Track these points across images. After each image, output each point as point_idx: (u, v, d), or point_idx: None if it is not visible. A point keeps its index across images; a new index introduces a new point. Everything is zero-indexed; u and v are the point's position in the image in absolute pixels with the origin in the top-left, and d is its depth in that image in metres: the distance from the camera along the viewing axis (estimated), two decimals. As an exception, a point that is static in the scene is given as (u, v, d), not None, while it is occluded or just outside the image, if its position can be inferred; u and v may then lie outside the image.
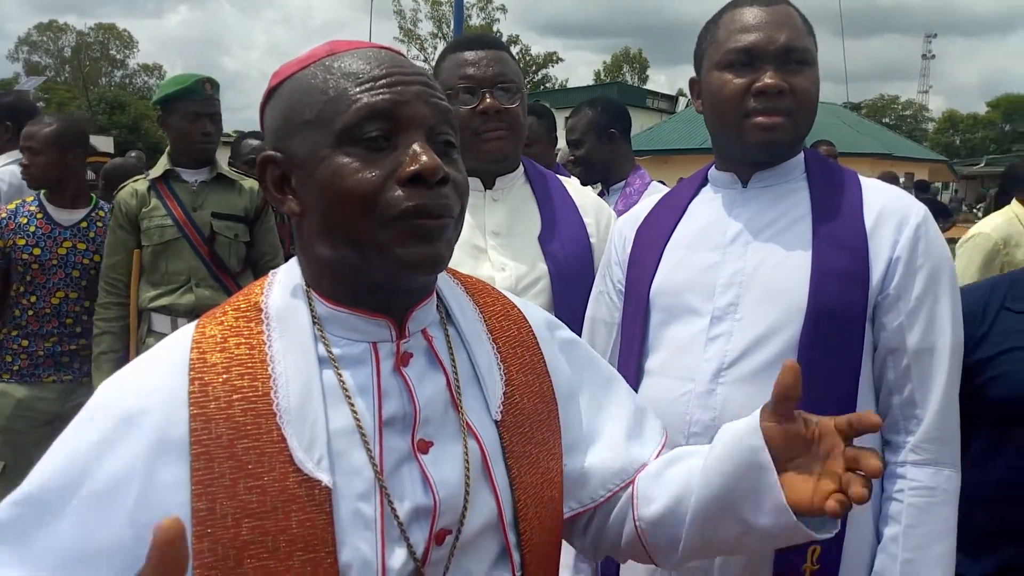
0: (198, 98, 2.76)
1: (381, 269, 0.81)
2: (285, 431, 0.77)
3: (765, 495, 0.86)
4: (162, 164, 2.84)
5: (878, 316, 1.29)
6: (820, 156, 1.43)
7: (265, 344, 0.82)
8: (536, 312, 1.06)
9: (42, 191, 2.93)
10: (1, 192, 3.34)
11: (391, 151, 0.79)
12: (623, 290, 1.52)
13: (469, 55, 1.67)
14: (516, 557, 0.90)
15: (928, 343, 1.27)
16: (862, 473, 0.82)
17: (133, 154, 7.41)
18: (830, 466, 0.85)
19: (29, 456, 2.45)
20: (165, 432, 0.76)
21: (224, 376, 0.79)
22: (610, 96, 3.56)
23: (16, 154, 3.50)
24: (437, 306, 0.94)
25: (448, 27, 47.40)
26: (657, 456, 1.07)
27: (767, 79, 1.28)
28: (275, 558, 0.75)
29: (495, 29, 55.47)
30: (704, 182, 1.49)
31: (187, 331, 0.84)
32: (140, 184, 2.82)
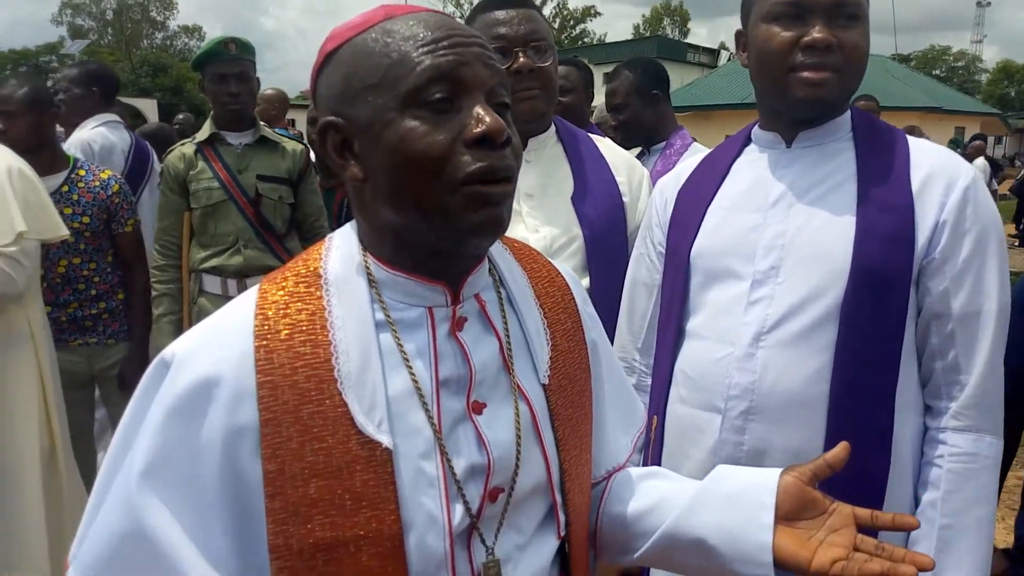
0: (222, 59, 2.79)
1: (446, 233, 0.82)
2: (346, 396, 0.80)
3: (749, 542, 0.89)
4: (207, 128, 2.90)
5: (923, 280, 1.27)
6: (866, 115, 1.40)
7: (325, 310, 0.84)
8: (575, 281, 1.08)
9: None
10: (94, 152, 3.34)
11: (455, 113, 0.80)
12: (663, 252, 1.52)
13: (500, 14, 1.66)
14: (562, 516, 0.94)
15: (974, 307, 1.25)
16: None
17: (180, 116, 7.53)
18: (837, 539, 0.88)
19: (69, 416, 2.57)
20: (237, 401, 0.79)
21: (287, 343, 0.81)
22: (649, 51, 3.44)
23: (104, 117, 3.52)
24: (489, 270, 0.96)
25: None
26: (635, 442, 1.11)
27: (815, 33, 1.25)
28: (342, 514, 0.79)
29: (533, -14, 54.43)
30: (747, 141, 1.47)
31: (250, 296, 0.87)
32: (187, 148, 2.88)
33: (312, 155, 3.23)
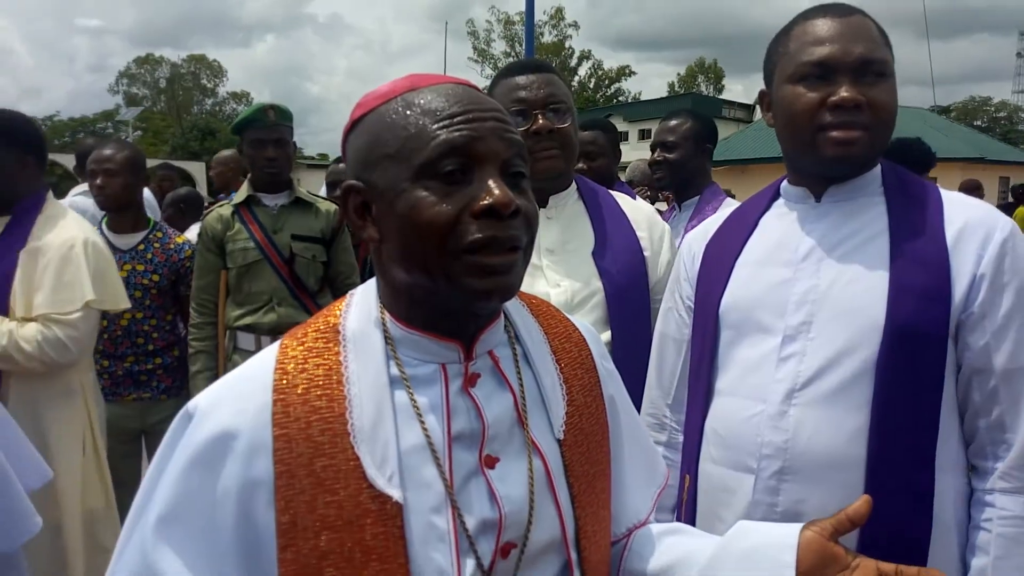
0: (261, 125, 2.88)
1: (452, 297, 0.85)
2: (359, 450, 0.82)
3: None
4: (244, 190, 2.97)
5: (962, 335, 1.23)
6: (897, 169, 1.38)
7: (342, 365, 0.86)
8: (594, 336, 1.08)
9: (103, 219, 3.08)
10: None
11: (467, 185, 0.83)
12: (692, 306, 1.51)
13: (520, 79, 1.73)
14: (577, 574, 0.92)
15: (1017, 363, 1.21)
16: None
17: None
18: None
19: (116, 470, 2.59)
20: (253, 454, 0.81)
21: (304, 397, 0.83)
22: (684, 107, 3.54)
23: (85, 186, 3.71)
24: (505, 326, 0.97)
25: (520, 46, 47.87)
26: (655, 499, 1.10)
27: (843, 93, 1.24)
28: (352, 567, 0.79)
29: (567, 46, 55.70)
30: (776, 196, 1.46)
31: (271, 351, 0.89)
32: (225, 209, 2.95)
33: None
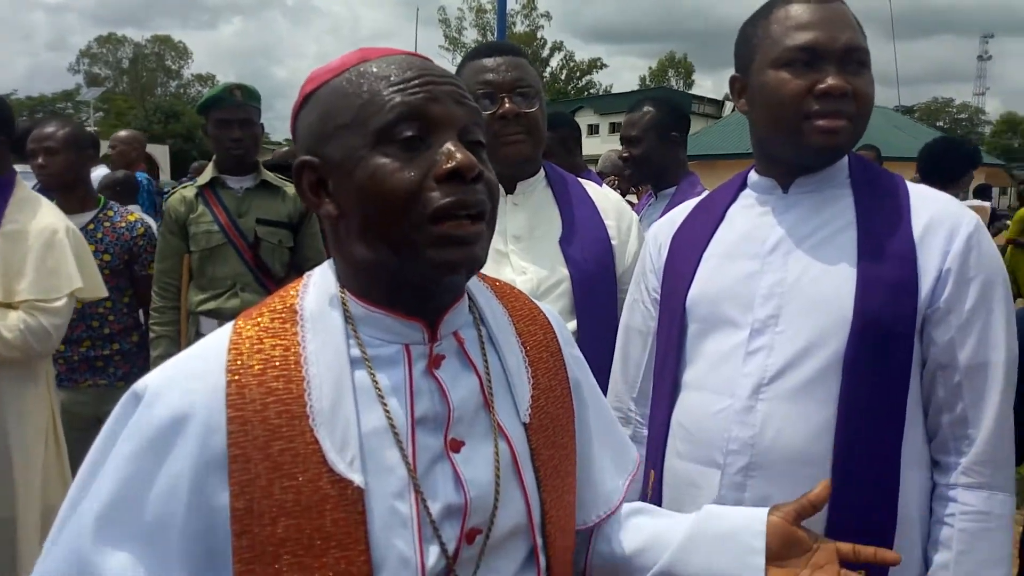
0: (227, 105, 2.82)
1: (417, 270, 0.82)
2: (318, 433, 0.79)
3: None
4: (208, 172, 2.90)
5: (927, 330, 1.23)
6: (864, 160, 1.37)
7: (300, 345, 0.83)
8: (559, 321, 1.07)
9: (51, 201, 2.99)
10: None
11: (425, 150, 0.80)
12: (658, 298, 1.49)
13: (488, 62, 1.70)
14: (543, 560, 0.92)
15: (981, 359, 1.21)
16: None
17: (195, 164, 7.62)
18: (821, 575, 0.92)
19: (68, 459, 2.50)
20: (207, 436, 0.78)
21: (260, 378, 0.80)
22: (685, 107, 3.33)
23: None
24: (469, 307, 0.95)
25: (492, 35, 47.64)
26: (627, 485, 1.10)
27: (831, 80, 1.22)
28: (310, 555, 0.77)
29: (539, 36, 55.59)
30: (742, 187, 1.45)
31: (224, 332, 0.86)
32: (188, 191, 2.88)
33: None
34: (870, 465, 1.21)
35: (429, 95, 0.81)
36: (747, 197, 1.43)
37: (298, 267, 3.00)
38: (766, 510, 0.97)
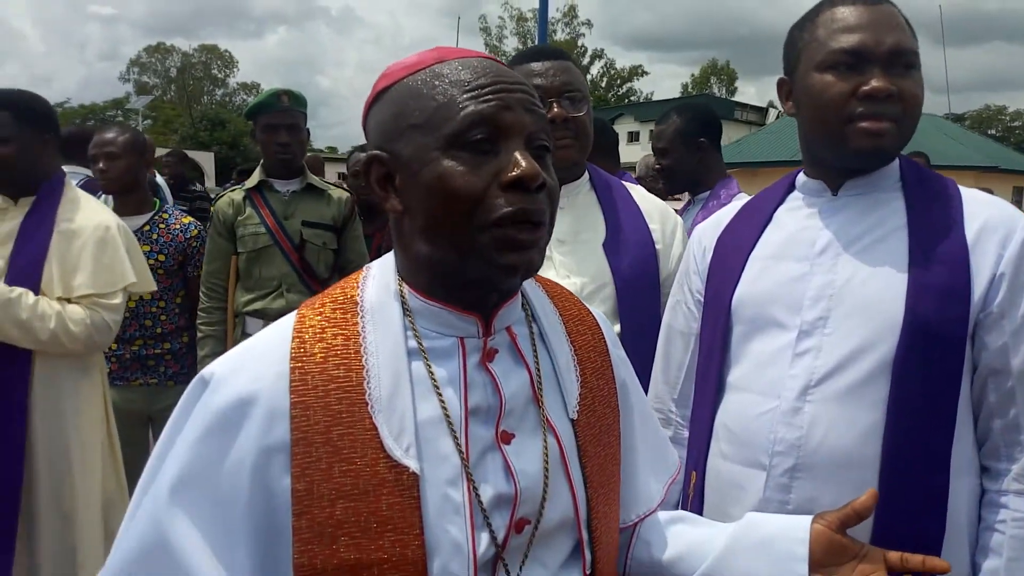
0: (274, 110, 2.89)
1: (477, 269, 0.84)
2: (376, 420, 0.82)
3: None
4: (256, 175, 2.98)
5: (979, 335, 1.22)
6: (916, 164, 1.36)
7: (360, 335, 0.86)
8: (606, 323, 1.08)
9: (109, 201, 3.08)
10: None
11: (494, 156, 0.82)
12: (702, 300, 1.49)
13: (536, 66, 1.70)
14: (588, 555, 0.93)
15: None
16: None
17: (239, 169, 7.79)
18: None
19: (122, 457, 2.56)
20: (270, 421, 0.81)
21: (322, 366, 0.83)
22: (713, 111, 3.31)
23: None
24: (522, 305, 0.97)
25: (533, 42, 47.85)
26: (667, 488, 1.11)
27: (875, 82, 1.21)
28: (367, 537, 0.80)
29: (580, 44, 55.62)
30: (790, 189, 1.44)
31: (288, 320, 0.89)
32: (236, 194, 2.96)
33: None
34: (919, 470, 1.19)
35: (502, 103, 0.83)
36: (795, 199, 1.42)
37: (341, 269, 3.05)
38: (810, 518, 0.97)
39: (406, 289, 0.90)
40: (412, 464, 0.81)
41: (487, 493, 0.85)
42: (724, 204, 2.77)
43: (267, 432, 0.81)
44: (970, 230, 1.24)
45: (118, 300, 2.27)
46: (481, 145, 0.82)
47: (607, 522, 0.96)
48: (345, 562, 0.79)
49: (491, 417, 0.88)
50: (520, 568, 0.87)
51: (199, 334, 2.94)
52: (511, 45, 53.78)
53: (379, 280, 0.91)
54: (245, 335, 2.91)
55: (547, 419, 0.91)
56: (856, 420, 1.22)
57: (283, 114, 2.87)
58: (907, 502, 1.18)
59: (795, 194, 1.43)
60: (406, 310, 0.88)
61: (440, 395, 0.85)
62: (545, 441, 0.90)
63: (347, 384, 0.83)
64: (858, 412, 1.22)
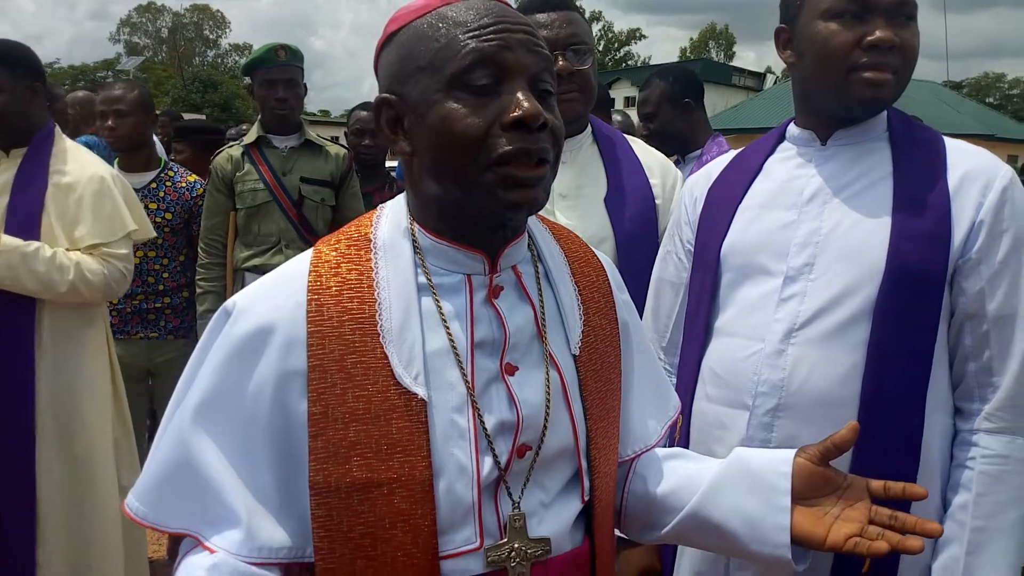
0: (272, 65, 2.90)
1: (483, 207, 0.88)
2: (387, 349, 0.87)
3: (768, 525, 0.97)
4: (255, 131, 3.00)
5: (957, 280, 1.26)
6: (903, 114, 1.38)
7: (373, 271, 0.91)
8: (611, 265, 1.12)
9: (116, 160, 3.09)
10: None
11: (496, 97, 0.85)
12: (692, 250, 1.52)
13: (541, 17, 1.69)
14: (587, 482, 0.98)
15: (1010, 309, 1.23)
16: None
17: (232, 131, 7.72)
18: (852, 514, 0.97)
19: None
20: (289, 348, 0.86)
21: (337, 298, 0.88)
22: (696, 71, 3.42)
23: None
24: (528, 245, 1.01)
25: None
26: (666, 428, 1.16)
27: (880, 32, 1.23)
28: (378, 458, 0.85)
29: (578, 5, 54.89)
30: (780, 139, 1.47)
31: (306, 255, 0.94)
32: (235, 150, 2.98)
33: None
34: (896, 409, 1.24)
35: (503, 43, 0.85)
36: (785, 149, 1.45)
37: (339, 225, 3.06)
38: (793, 451, 1.01)
39: (417, 228, 0.94)
40: (420, 391, 0.86)
41: (491, 420, 0.90)
42: (710, 158, 2.82)
43: (286, 358, 0.86)
44: (952, 179, 1.27)
45: (126, 249, 2.30)
46: (483, 87, 0.84)
47: (606, 453, 1.01)
48: (357, 480, 0.84)
49: (496, 350, 0.93)
50: (522, 491, 0.92)
51: (198, 290, 2.98)
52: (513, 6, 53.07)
53: (391, 219, 0.95)
54: (244, 290, 2.95)
55: (550, 354, 0.96)
56: (837, 361, 1.26)
57: (280, 69, 2.88)
58: (884, 440, 1.23)
59: (785, 144, 1.46)
60: (416, 248, 0.93)
61: (447, 328, 0.90)
62: (547, 374, 0.95)
63: (360, 316, 0.88)
64: (840, 354, 1.26)
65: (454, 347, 0.90)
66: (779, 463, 1.00)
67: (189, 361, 0.92)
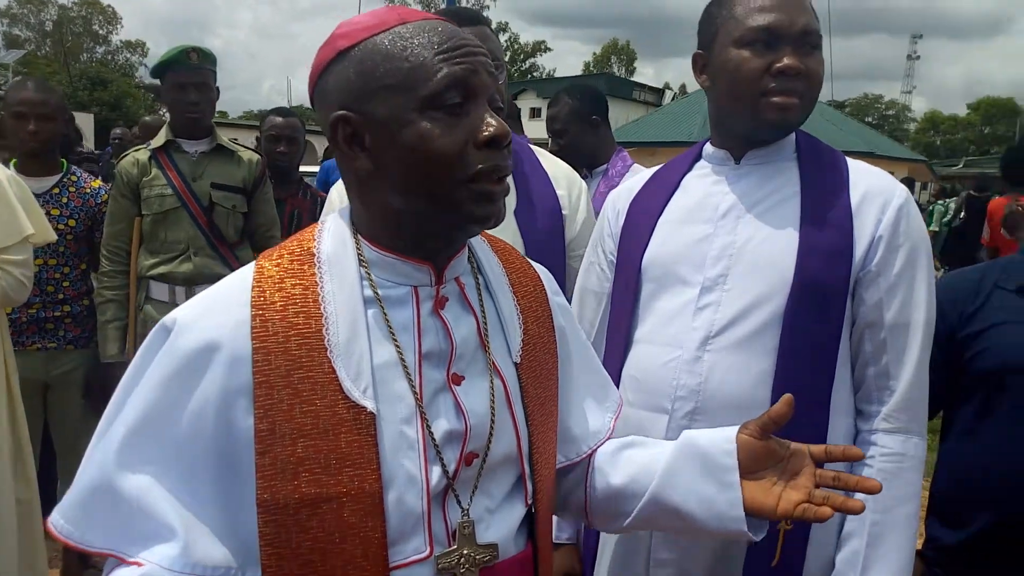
0: (183, 68, 2.81)
1: (451, 221, 0.91)
2: (335, 364, 0.87)
3: (721, 502, 1.01)
4: (163, 134, 2.89)
5: (858, 291, 1.35)
6: (810, 136, 1.48)
7: (318, 285, 0.90)
8: (547, 274, 1.16)
9: (12, 161, 2.91)
10: None
11: (464, 116, 0.88)
12: (614, 261, 1.58)
13: None
14: (530, 486, 1.01)
15: (904, 318, 1.33)
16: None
17: (118, 131, 7.36)
18: (800, 481, 1.01)
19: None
20: (233, 365, 0.85)
21: (282, 313, 0.88)
22: (598, 87, 3.57)
23: None
24: (468, 258, 1.03)
25: (436, 8, 46.98)
26: (614, 420, 1.20)
27: (787, 60, 1.33)
28: (327, 472, 0.85)
29: (485, 16, 55.22)
30: (697, 158, 1.55)
31: (248, 270, 0.93)
32: (141, 154, 2.86)
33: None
34: (803, 411, 1.29)
35: (471, 67, 0.88)
36: (702, 167, 1.53)
37: (250, 233, 3.01)
38: (735, 429, 1.05)
39: (362, 241, 0.94)
40: (369, 404, 0.87)
41: (440, 430, 0.92)
42: (622, 174, 2.94)
43: (230, 375, 0.85)
44: (854, 197, 1.37)
45: (25, 255, 2.19)
46: (455, 108, 0.87)
47: (546, 457, 1.04)
48: (306, 496, 0.84)
49: (443, 361, 0.95)
50: (470, 498, 0.94)
51: (99, 299, 2.84)
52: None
53: (335, 233, 0.95)
54: (149, 300, 2.84)
55: (493, 363, 0.98)
56: (750, 367, 1.34)
57: (192, 72, 2.80)
58: (792, 438, 1.32)
59: (702, 163, 1.54)
60: (362, 261, 0.93)
61: (395, 340, 0.91)
62: (492, 383, 0.97)
63: (307, 331, 0.87)
64: (752, 360, 1.34)
65: (402, 359, 0.91)
66: (724, 442, 1.04)
67: (124, 377, 0.89)
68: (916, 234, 1.36)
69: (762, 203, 1.41)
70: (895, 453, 1.33)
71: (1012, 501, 1.48)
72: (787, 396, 1.03)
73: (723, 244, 1.41)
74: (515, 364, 1.01)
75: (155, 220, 2.80)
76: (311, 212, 3.58)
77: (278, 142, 3.40)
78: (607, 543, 1.50)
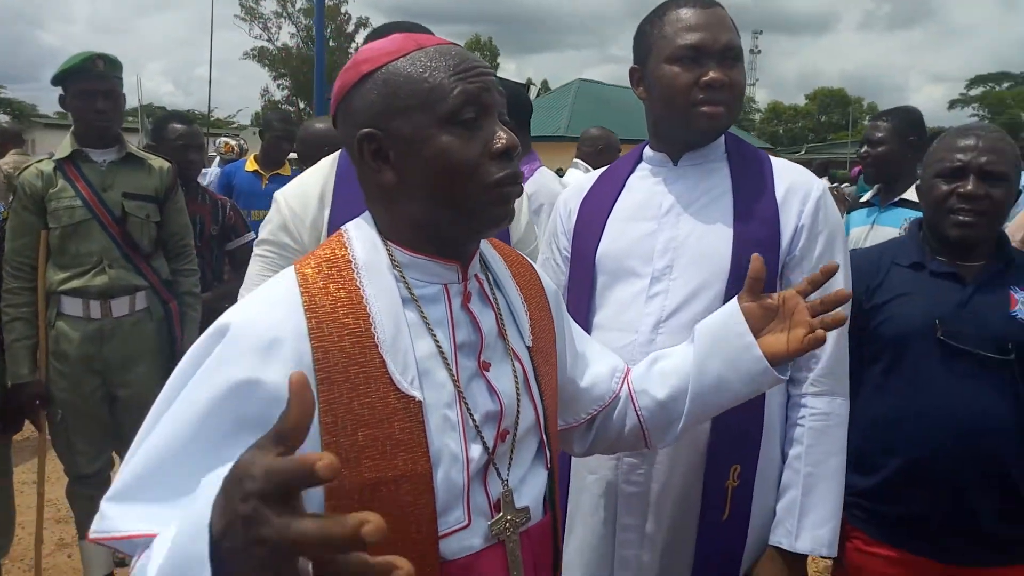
0: (89, 76, 2.72)
1: (469, 224, 1.02)
2: (385, 358, 0.95)
3: (746, 360, 1.23)
4: (67, 144, 2.77)
5: (786, 275, 1.55)
6: (737, 139, 1.67)
7: (359, 288, 0.98)
8: (538, 267, 1.29)
9: None
10: None
11: (478, 130, 0.99)
12: (568, 256, 1.73)
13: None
14: (548, 452, 1.15)
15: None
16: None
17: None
18: (797, 318, 1.22)
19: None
20: (297, 362, 0.91)
21: (332, 315, 0.95)
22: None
23: None
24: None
25: (293, 6, 45.72)
26: (623, 376, 1.35)
27: (712, 74, 1.49)
28: (384, 458, 0.93)
29: (343, 10, 54.14)
30: (639, 161, 1.71)
31: (289, 276, 0.99)
32: (45, 165, 2.74)
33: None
34: None
35: (483, 85, 0.99)
36: (643, 169, 1.70)
37: (164, 242, 2.94)
38: (736, 304, 1.26)
39: (391, 246, 1.03)
40: (416, 394, 0.96)
41: (479, 412, 1.02)
42: (528, 178, 3.07)
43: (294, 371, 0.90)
44: (779, 191, 1.57)
45: None
46: (469, 123, 0.98)
47: (554, 424, 1.19)
48: (368, 480, 0.92)
49: (474, 350, 1.05)
50: (508, 469, 1.06)
51: (5, 317, 2.70)
52: (270, 8, 51.05)
53: (364, 241, 1.03)
54: (62, 316, 2.73)
55: (512, 349, 1.11)
56: None
57: (98, 80, 2.71)
58: (735, 408, 1.44)
59: (643, 165, 1.70)
60: (394, 264, 1.02)
61: (433, 334, 1.01)
62: (513, 366, 1.09)
63: (357, 330, 0.95)
64: None
65: (441, 351, 1.01)
66: (731, 316, 1.25)
67: (174, 375, 0.92)
68: (833, 221, 1.58)
69: (699, 200, 1.59)
70: (822, 412, 1.53)
71: (915, 447, 1.74)
72: (755, 255, 1.26)
73: (667, 238, 1.57)
74: (528, 348, 1.13)
75: (64, 233, 2.70)
76: (213, 216, 3.53)
77: (188, 150, 3.33)
78: (576, 511, 1.64)
